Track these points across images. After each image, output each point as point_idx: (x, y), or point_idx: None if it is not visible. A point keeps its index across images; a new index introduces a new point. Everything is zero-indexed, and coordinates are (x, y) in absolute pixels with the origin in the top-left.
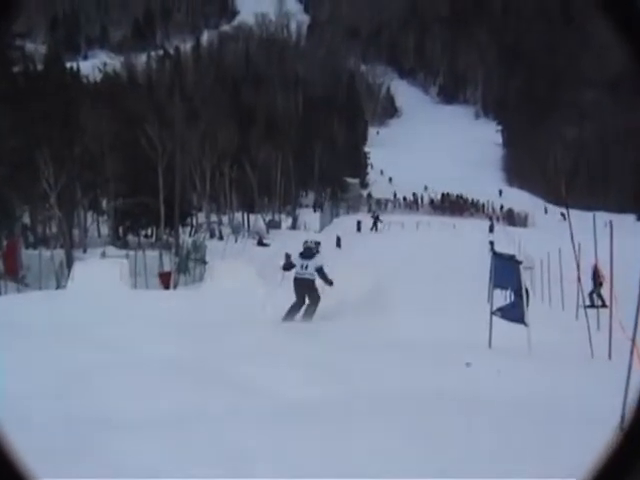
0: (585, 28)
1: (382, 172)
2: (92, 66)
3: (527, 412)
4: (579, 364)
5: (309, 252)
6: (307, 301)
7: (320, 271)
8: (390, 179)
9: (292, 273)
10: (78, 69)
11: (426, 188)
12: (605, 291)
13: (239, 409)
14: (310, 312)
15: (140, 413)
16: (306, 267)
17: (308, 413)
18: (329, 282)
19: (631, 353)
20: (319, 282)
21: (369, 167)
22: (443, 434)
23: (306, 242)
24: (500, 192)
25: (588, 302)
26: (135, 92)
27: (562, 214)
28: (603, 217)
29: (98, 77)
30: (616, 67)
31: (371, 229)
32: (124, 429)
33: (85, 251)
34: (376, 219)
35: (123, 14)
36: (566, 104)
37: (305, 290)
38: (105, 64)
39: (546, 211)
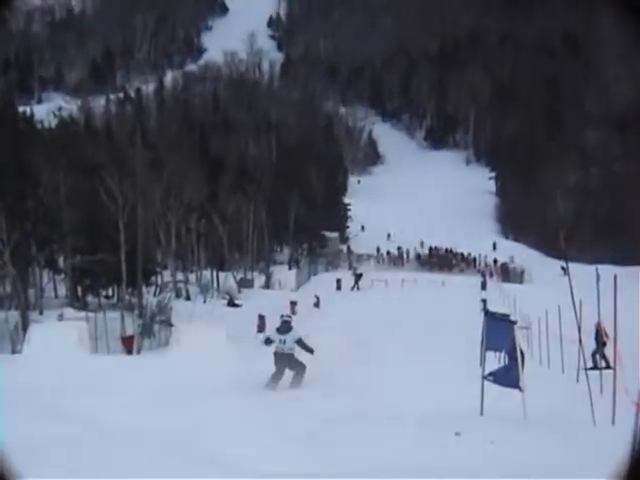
0: (590, 60)
1: (363, 228)
2: (47, 110)
3: None
4: (580, 432)
5: (286, 326)
6: (293, 371)
7: (299, 342)
8: (389, 236)
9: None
10: (32, 114)
11: (422, 244)
12: (609, 351)
13: None
14: (298, 380)
15: None
16: (284, 342)
17: None
18: (310, 351)
19: (637, 416)
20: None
21: (349, 220)
22: None
23: (282, 316)
24: (494, 245)
25: (590, 364)
26: (93, 139)
27: (562, 268)
28: (610, 270)
29: (53, 122)
30: (624, 104)
31: (352, 288)
32: None
33: (42, 313)
34: (358, 276)
35: (80, 54)
36: (568, 147)
37: (285, 363)
38: (60, 108)
39: (567, 268)
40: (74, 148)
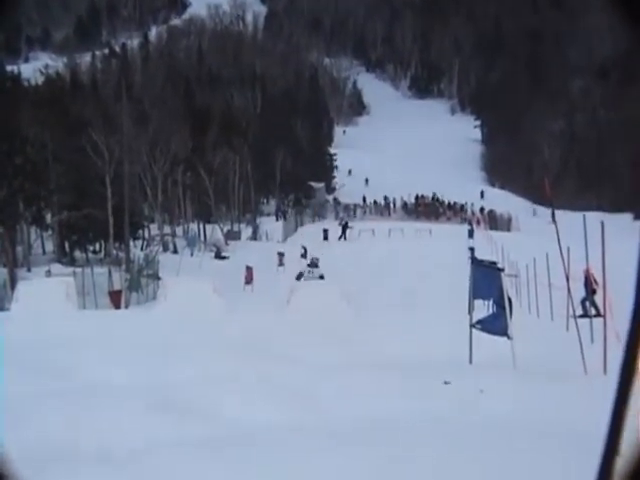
0: (572, 9)
1: (350, 172)
2: (34, 69)
3: (512, 436)
4: (570, 381)
5: (315, 263)
6: None
7: (322, 277)
8: (367, 181)
9: None
10: (19, 73)
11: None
12: (599, 298)
13: (191, 437)
14: None
15: (90, 445)
16: (312, 273)
17: (268, 440)
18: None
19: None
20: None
21: (335, 170)
22: (416, 465)
23: (312, 258)
24: (482, 193)
25: (580, 311)
26: (79, 95)
27: (552, 216)
28: (597, 217)
29: (40, 81)
30: (607, 52)
31: (339, 238)
32: (73, 462)
33: (29, 270)
34: (344, 226)
35: (65, 13)
36: (552, 95)
37: None
38: (47, 66)
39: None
40: (60, 105)
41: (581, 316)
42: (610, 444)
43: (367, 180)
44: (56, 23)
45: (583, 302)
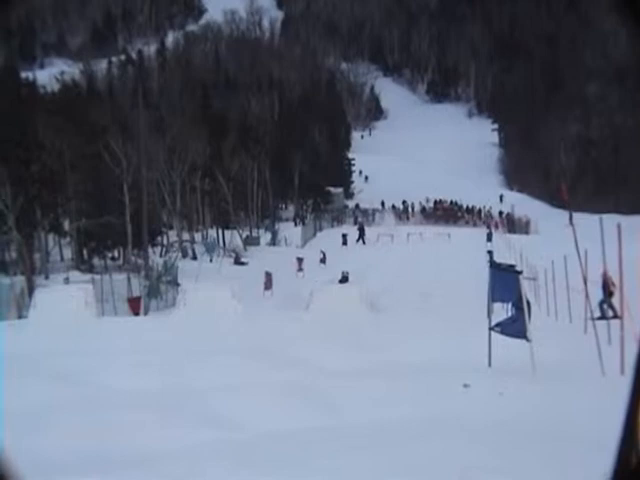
0: (588, 13)
1: (367, 178)
2: (49, 75)
3: (533, 439)
4: (588, 382)
5: (345, 278)
6: None
7: None
8: (366, 178)
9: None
10: (34, 80)
11: (427, 198)
12: (616, 300)
13: (210, 442)
14: None
15: (109, 452)
16: None
17: (288, 450)
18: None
19: None
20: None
21: (354, 175)
22: (434, 467)
23: (343, 272)
24: (501, 197)
25: (598, 313)
26: (96, 102)
27: (570, 219)
28: (614, 220)
29: (56, 87)
30: (623, 55)
31: (357, 241)
32: (93, 468)
33: (47, 277)
34: (362, 230)
35: (81, 18)
36: (569, 99)
37: None
38: (63, 73)
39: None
40: (77, 112)
41: (599, 318)
42: (624, 443)
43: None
44: (72, 29)
45: (601, 304)
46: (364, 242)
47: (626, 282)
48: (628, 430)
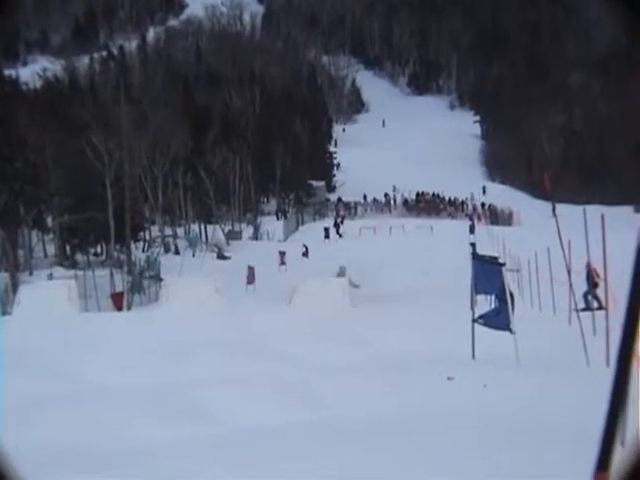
0: (570, 2)
1: (338, 167)
2: (32, 72)
3: (518, 431)
4: (573, 374)
5: (342, 273)
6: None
7: (352, 284)
8: (395, 188)
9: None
10: (17, 77)
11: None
12: (601, 291)
13: (195, 437)
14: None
15: (95, 449)
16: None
17: (271, 445)
18: (357, 286)
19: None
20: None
21: (335, 168)
22: (420, 460)
23: (340, 267)
24: (484, 189)
25: (582, 305)
26: (78, 98)
27: (553, 210)
28: (597, 211)
29: (38, 84)
30: (605, 45)
31: (336, 234)
32: (78, 469)
33: (31, 273)
34: (338, 224)
35: (63, 16)
36: (552, 89)
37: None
38: (45, 69)
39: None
40: (59, 108)
41: (583, 309)
42: (608, 433)
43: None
44: (54, 26)
45: (585, 295)
46: (340, 235)
47: (610, 273)
48: (611, 422)
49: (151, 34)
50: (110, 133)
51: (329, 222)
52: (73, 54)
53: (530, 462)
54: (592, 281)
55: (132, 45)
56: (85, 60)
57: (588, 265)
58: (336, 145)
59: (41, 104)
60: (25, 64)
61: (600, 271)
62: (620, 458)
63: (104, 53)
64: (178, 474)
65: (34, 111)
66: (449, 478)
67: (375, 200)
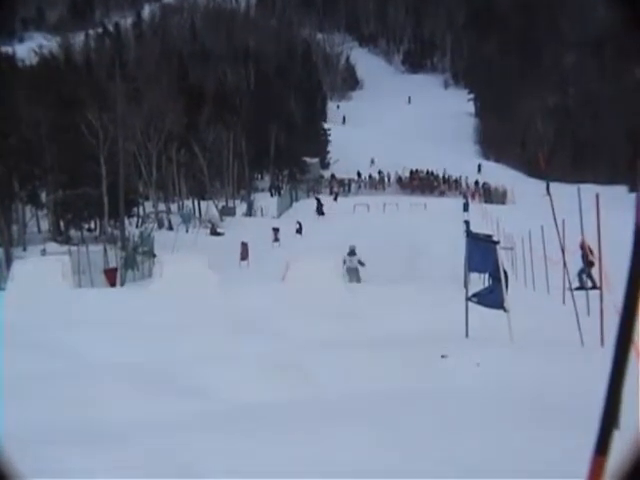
0: None
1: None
2: (28, 49)
3: (511, 410)
4: (567, 353)
5: (352, 251)
6: (354, 278)
7: (360, 262)
8: (372, 161)
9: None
10: (13, 53)
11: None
12: (595, 271)
13: (192, 417)
14: (358, 279)
15: (89, 425)
16: (352, 261)
17: (267, 419)
18: (363, 264)
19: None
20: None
21: (329, 145)
22: (414, 439)
23: (350, 246)
24: (479, 167)
25: (576, 284)
26: (73, 74)
27: (547, 189)
28: (591, 190)
29: (34, 61)
30: (599, 26)
31: (317, 212)
32: (73, 444)
33: (25, 249)
34: (319, 202)
35: None
36: (546, 68)
37: (354, 273)
38: (41, 46)
39: (548, 188)
40: (55, 84)
41: (578, 288)
42: (607, 417)
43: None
44: (50, 3)
45: (580, 274)
46: (322, 213)
47: (605, 252)
48: (610, 406)
49: (146, 11)
50: (105, 109)
51: (323, 199)
52: (69, 31)
53: (524, 442)
54: (587, 260)
55: (127, 22)
56: (81, 37)
57: (582, 243)
58: (330, 122)
59: (36, 80)
60: (22, 41)
61: (594, 250)
62: (618, 442)
63: (99, 30)
64: (169, 450)
65: (29, 87)
66: (436, 459)
67: (370, 177)
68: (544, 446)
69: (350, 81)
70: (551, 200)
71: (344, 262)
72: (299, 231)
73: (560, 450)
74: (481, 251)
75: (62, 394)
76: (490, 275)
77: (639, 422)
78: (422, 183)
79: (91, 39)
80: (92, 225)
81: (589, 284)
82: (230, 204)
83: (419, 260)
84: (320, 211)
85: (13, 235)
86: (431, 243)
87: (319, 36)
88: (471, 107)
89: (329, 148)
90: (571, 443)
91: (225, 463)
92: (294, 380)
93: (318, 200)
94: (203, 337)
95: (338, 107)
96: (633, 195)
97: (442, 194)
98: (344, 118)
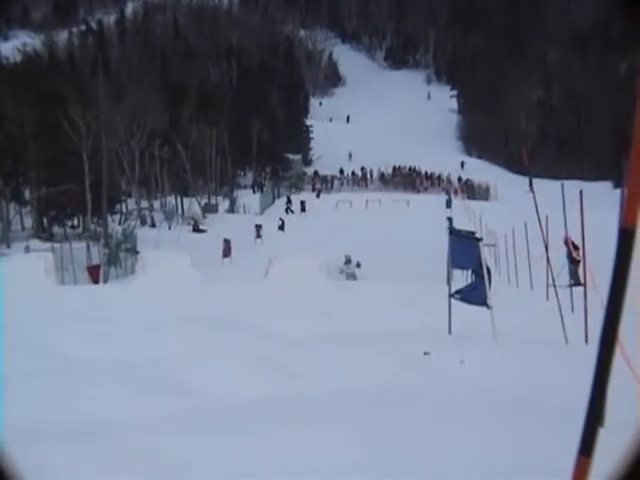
0: None
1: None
2: (13, 47)
3: (493, 408)
4: (551, 351)
5: (348, 260)
6: (351, 278)
7: (357, 265)
8: (350, 155)
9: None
10: None
11: (350, 156)
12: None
13: (176, 415)
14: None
15: (73, 424)
16: (349, 267)
17: (248, 419)
18: (359, 266)
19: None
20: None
21: (312, 141)
22: (398, 439)
23: (346, 256)
24: (462, 164)
25: (568, 281)
26: (57, 72)
27: (530, 185)
28: (576, 186)
29: (18, 58)
30: (584, 21)
31: (286, 210)
32: (56, 443)
33: (9, 246)
34: (288, 200)
35: None
36: (530, 63)
37: (351, 277)
38: (25, 44)
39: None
40: (38, 82)
41: (574, 284)
42: (592, 417)
43: (350, 155)
44: (34, 2)
45: (571, 270)
46: (292, 212)
47: (589, 248)
48: (594, 407)
49: (130, 8)
50: (88, 106)
51: (305, 196)
52: (53, 29)
53: (507, 441)
54: (572, 257)
55: (111, 19)
56: (64, 35)
57: (566, 240)
58: (312, 118)
59: (20, 78)
60: (6, 39)
61: (579, 247)
62: (602, 442)
63: (83, 27)
64: (153, 448)
65: (13, 85)
66: (415, 458)
67: (352, 174)
68: (527, 446)
69: (333, 77)
70: (534, 196)
71: (341, 271)
72: (281, 228)
73: (543, 449)
74: (464, 248)
75: (45, 392)
76: (473, 272)
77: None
78: (405, 179)
79: (74, 37)
80: (75, 222)
81: (571, 281)
82: (213, 201)
83: (401, 257)
84: (289, 209)
85: None
86: (414, 240)
87: (302, 33)
88: (454, 103)
89: (312, 145)
90: (555, 443)
91: (210, 463)
92: (278, 377)
93: (288, 198)
94: (186, 334)
95: (321, 104)
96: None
97: (425, 190)
98: (331, 118)
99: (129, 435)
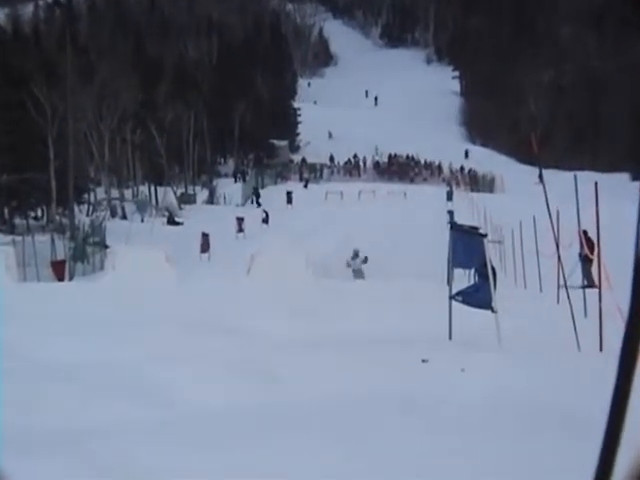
0: None
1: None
2: None
3: (496, 422)
4: (562, 359)
5: (355, 254)
6: (358, 277)
7: (364, 261)
8: (330, 134)
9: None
10: None
11: (330, 135)
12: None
13: (140, 420)
14: (361, 277)
15: (32, 432)
16: (356, 263)
17: (222, 429)
18: (366, 261)
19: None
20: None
21: (300, 126)
22: (388, 454)
23: (355, 249)
24: (466, 153)
25: (584, 281)
26: (21, 47)
27: (540, 176)
28: (590, 177)
29: None
30: None
31: (256, 201)
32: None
33: None
34: (255, 191)
35: None
36: (539, 42)
37: (358, 273)
38: None
39: (541, 175)
40: (0, 58)
41: (586, 286)
42: (610, 438)
43: (330, 134)
44: None
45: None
46: (259, 204)
47: (604, 247)
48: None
49: None
50: (54, 85)
51: (292, 186)
52: (17, 1)
53: (510, 460)
54: (585, 256)
55: None
56: (30, 8)
57: (584, 233)
58: (300, 101)
59: None
60: None
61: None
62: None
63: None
64: (123, 458)
65: None
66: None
67: (347, 162)
68: (533, 465)
69: (323, 56)
70: (544, 188)
71: (348, 265)
72: (265, 221)
73: (552, 471)
74: (466, 245)
75: (4, 397)
76: (476, 271)
77: None
78: (401, 169)
79: (40, 10)
80: (39, 213)
81: (585, 282)
82: (190, 190)
83: (397, 254)
84: (257, 202)
85: None
86: (411, 236)
87: (289, 6)
88: (456, 85)
89: (299, 129)
90: (565, 464)
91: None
92: (259, 383)
93: (255, 189)
94: (157, 336)
95: (309, 85)
96: (636, 184)
97: (424, 181)
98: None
99: (95, 447)
